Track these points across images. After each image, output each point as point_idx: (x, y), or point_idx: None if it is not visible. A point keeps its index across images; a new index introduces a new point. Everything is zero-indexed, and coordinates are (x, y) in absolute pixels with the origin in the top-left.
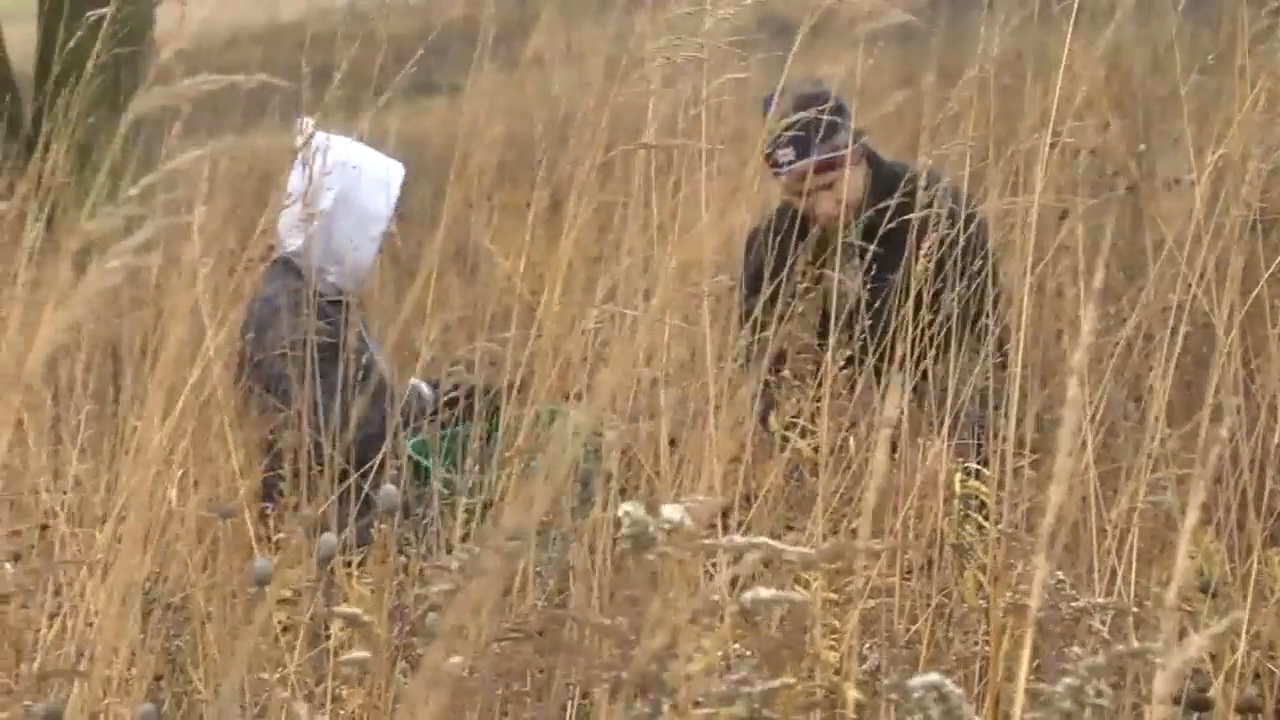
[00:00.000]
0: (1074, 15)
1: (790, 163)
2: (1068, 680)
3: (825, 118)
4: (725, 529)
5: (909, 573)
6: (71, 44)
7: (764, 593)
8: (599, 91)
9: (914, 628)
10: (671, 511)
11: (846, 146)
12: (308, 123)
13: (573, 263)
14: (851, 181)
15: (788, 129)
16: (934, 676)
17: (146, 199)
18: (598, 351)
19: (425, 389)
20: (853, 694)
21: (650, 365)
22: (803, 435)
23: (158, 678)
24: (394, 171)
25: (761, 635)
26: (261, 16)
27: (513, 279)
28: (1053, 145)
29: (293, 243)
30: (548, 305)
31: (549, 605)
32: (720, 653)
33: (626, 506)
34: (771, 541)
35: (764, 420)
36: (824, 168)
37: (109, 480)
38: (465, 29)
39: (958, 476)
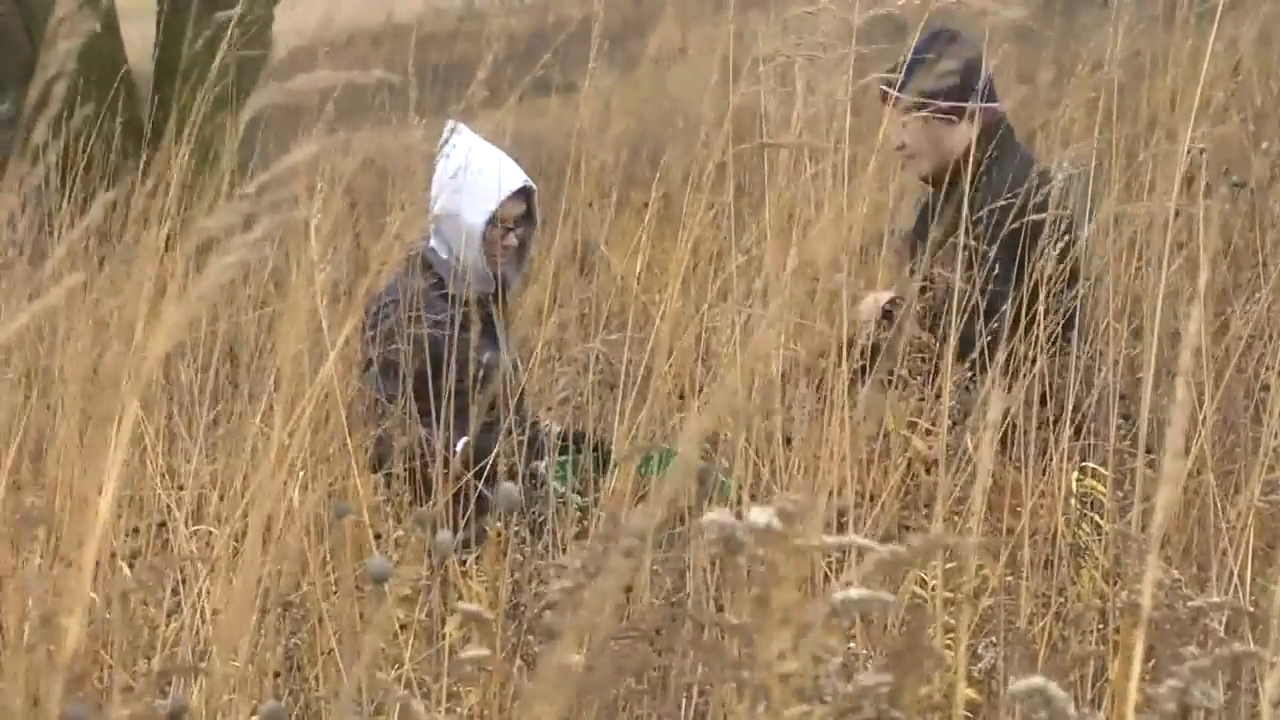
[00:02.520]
0: (1191, 17)
1: (888, 87)
2: (1172, 682)
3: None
4: (842, 528)
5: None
6: (192, 44)
7: (854, 593)
8: (715, 91)
9: (1031, 628)
10: (759, 515)
11: (948, 96)
12: (454, 124)
13: (689, 262)
14: (912, 128)
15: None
16: (1037, 680)
17: (264, 195)
18: (715, 351)
19: (554, 427)
20: (970, 694)
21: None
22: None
23: (275, 675)
24: (506, 180)
25: (884, 635)
26: (378, 16)
27: (627, 278)
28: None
29: (426, 242)
30: (666, 305)
31: (666, 604)
32: (839, 652)
33: (710, 515)
34: (866, 541)
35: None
36: (910, 107)
37: (225, 478)
38: (579, 28)
39: (1074, 476)
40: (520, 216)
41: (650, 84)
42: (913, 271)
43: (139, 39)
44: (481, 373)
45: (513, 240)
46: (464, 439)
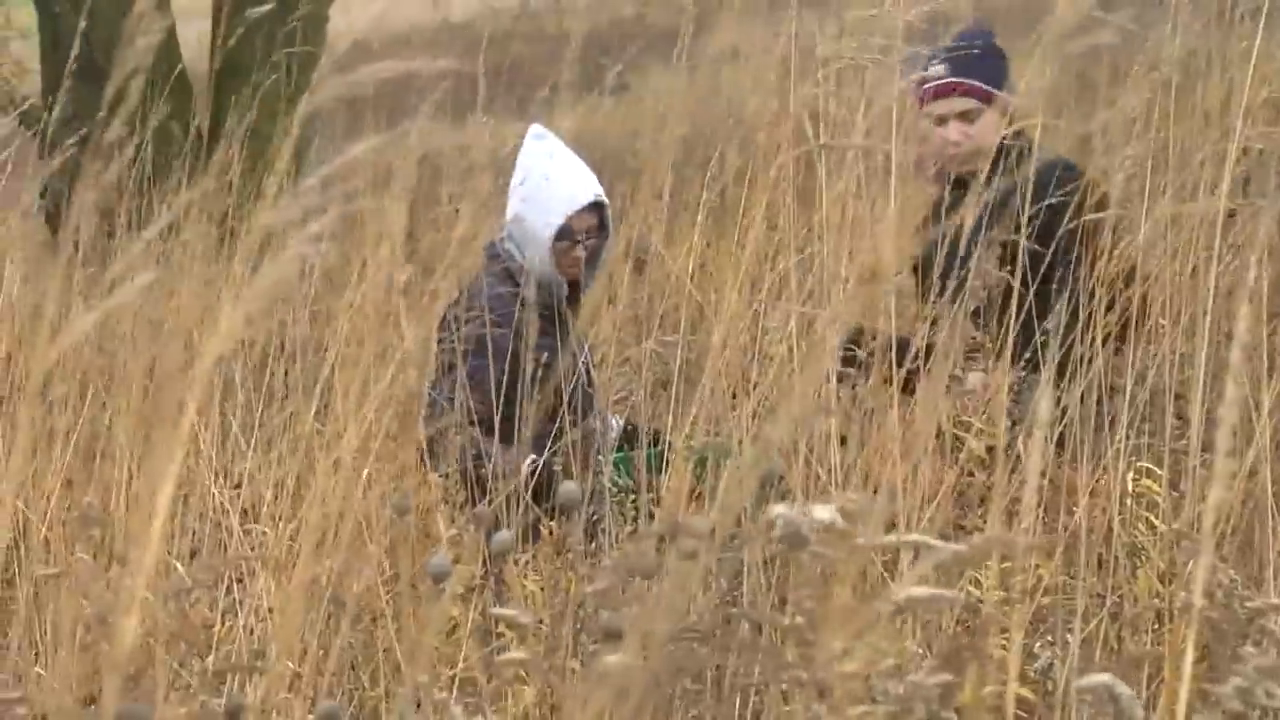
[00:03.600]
0: (1254, 17)
1: (940, 78)
2: (1236, 681)
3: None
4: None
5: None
6: (246, 44)
7: (918, 591)
8: (773, 92)
9: (1088, 627)
10: (822, 512)
11: (993, 83)
12: (536, 127)
13: (745, 264)
14: (988, 121)
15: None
16: (1105, 676)
17: (322, 191)
18: (768, 351)
19: (614, 420)
20: (1025, 693)
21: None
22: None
23: (331, 674)
24: (578, 193)
25: (940, 634)
26: (434, 16)
27: (681, 279)
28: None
29: (501, 243)
30: (721, 305)
31: (722, 604)
32: (895, 652)
33: (778, 508)
34: (926, 539)
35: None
36: (966, 91)
37: (279, 477)
38: (633, 29)
39: (1129, 475)
40: (592, 228)
41: (706, 84)
42: (929, 288)
43: (192, 38)
44: (540, 374)
45: (581, 253)
46: (530, 458)
